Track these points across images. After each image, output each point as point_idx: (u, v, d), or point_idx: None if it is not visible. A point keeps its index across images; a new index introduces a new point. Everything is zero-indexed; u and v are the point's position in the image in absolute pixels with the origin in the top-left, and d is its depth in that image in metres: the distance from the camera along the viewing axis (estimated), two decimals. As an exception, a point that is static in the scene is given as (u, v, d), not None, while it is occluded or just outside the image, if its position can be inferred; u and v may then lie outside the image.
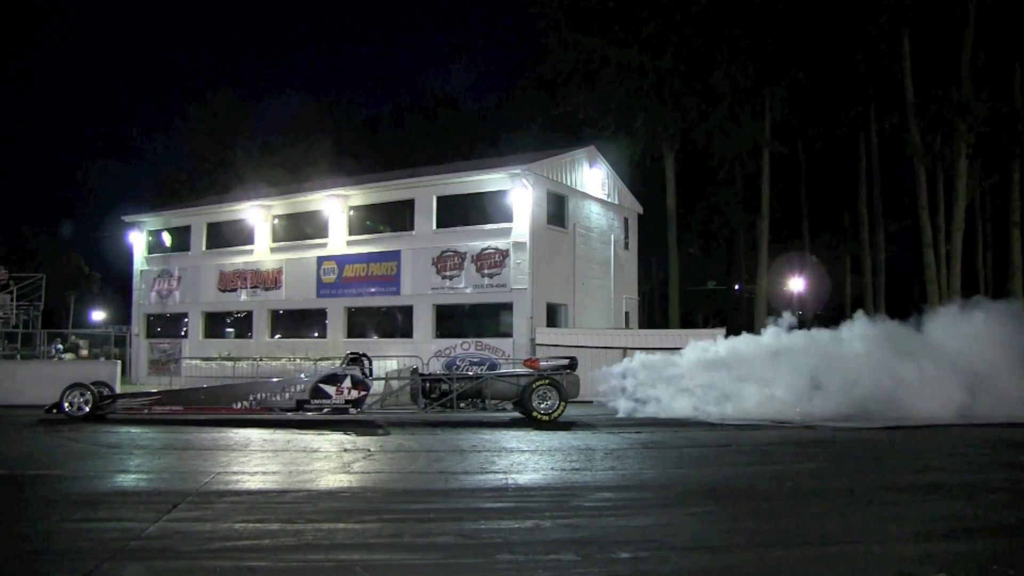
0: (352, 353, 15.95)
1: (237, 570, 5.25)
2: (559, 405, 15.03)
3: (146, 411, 15.34)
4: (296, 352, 25.82)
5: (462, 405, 15.50)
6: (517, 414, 15.52)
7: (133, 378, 29.22)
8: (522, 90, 45.02)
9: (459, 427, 14.34)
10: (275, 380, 16.37)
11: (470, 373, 15.98)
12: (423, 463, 10.27)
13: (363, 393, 15.11)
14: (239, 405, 15.15)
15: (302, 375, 16.20)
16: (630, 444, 11.86)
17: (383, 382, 16.73)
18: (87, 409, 14.95)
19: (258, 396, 15.23)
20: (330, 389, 15.02)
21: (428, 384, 15.64)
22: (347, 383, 15.03)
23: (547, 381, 15.26)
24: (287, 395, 15.11)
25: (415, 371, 16.41)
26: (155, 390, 18.14)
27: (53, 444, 12.22)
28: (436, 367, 17.70)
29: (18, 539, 6.21)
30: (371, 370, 15.88)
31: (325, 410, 14.97)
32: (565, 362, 16.14)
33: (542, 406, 15.01)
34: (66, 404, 14.96)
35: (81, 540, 6.06)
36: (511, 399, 15.57)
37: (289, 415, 14.98)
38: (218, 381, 22.53)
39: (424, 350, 22.90)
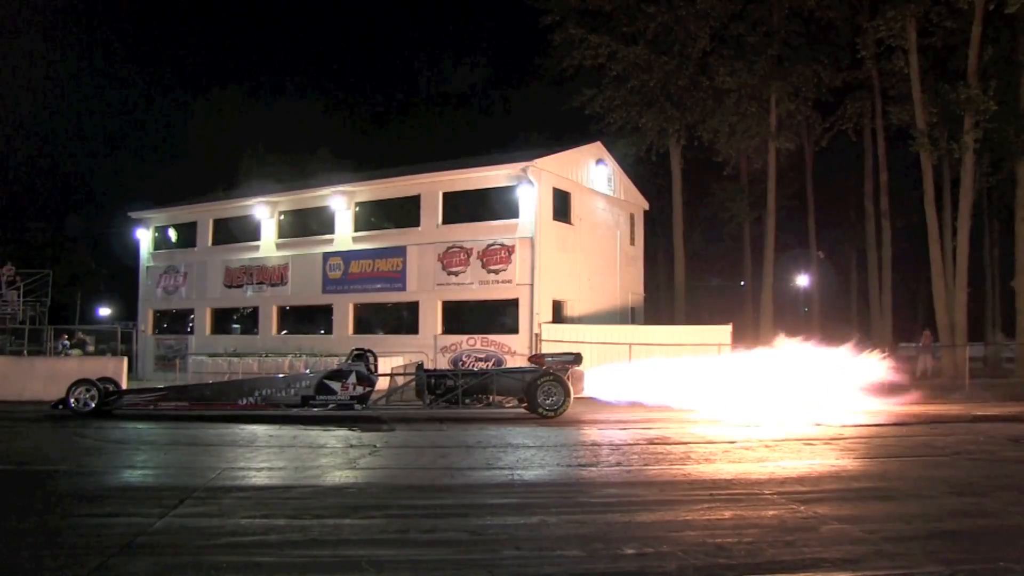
0: (357, 349, 15.99)
1: (243, 566, 5.27)
2: (564, 401, 15.03)
3: (152, 407, 15.41)
4: (302, 348, 25.87)
5: (467, 401, 15.49)
6: (522, 410, 15.52)
7: (140, 374, 29.30)
8: (528, 86, 44.93)
9: (464, 423, 14.35)
10: (280, 376, 16.43)
11: (475, 369, 16.01)
12: (429, 459, 10.28)
13: (368, 389, 15.15)
14: (244, 401, 15.21)
15: (308, 371, 16.26)
16: (636, 440, 11.85)
17: (388, 378, 16.76)
18: (93, 405, 14.99)
19: (263, 392, 15.29)
20: (335, 385, 15.07)
21: (433, 380, 15.66)
22: (352, 379, 15.08)
23: (552, 377, 15.26)
24: (292, 391, 15.17)
25: (420, 367, 16.44)
26: (161, 386, 18.20)
27: (60, 440, 12.28)
28: (442, 363, 17.79)
29: (25, 534, 6.24)
30: (376, 366, 15.91)
31: (330, 406, 15.01)
32: (570, 358, 16.13)
33: (547, 402, 15.01)
34: (72, 400, 15.02)
35: (88, 535, 6.08)
36: (516, 395, 15.58)
37: (294, 411, 15.04)
38: (225, 377, 22.62)
39: (430, 346, 22.97)
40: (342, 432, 12.85)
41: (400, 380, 16.53)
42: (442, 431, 13.20)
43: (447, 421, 14.63)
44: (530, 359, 16.94)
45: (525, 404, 15.37)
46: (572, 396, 15.22)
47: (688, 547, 5.70)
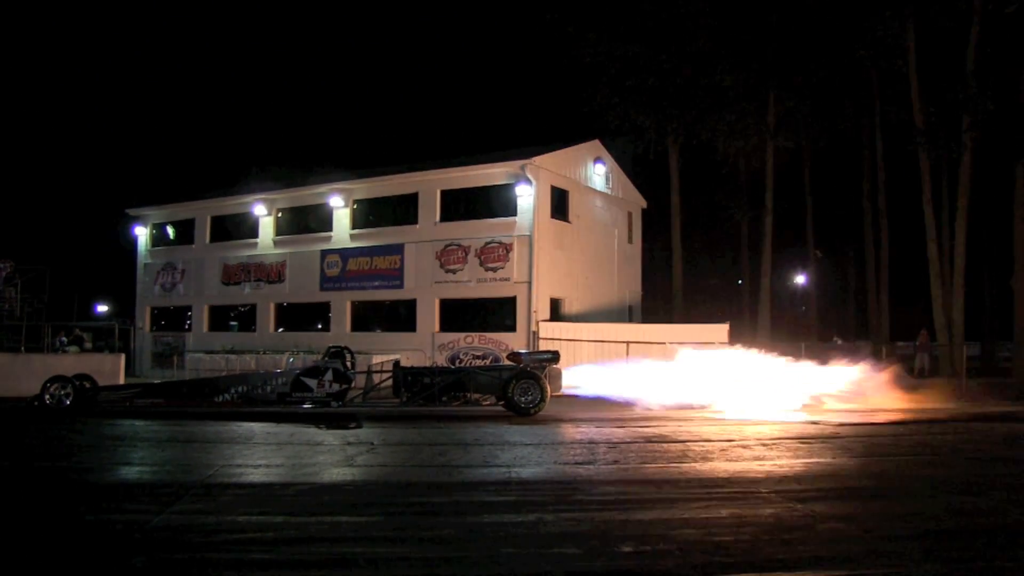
0: (333, 347, 16.00)
1: (241, 563, 5.27)
2: (540, 399, 15.05)
3: (127, 403, 15.39)
4: (300, 345, 25.85)
5: (444, 399, 15.48)
6: (499, 408, 15.50)
7: (137, 371, 29.28)
8: (526, 84, 44.87)
9: (439, 420, 14.35)
10: (258, 373, 16.45)
11: (452, 367, 16.03)
12: (426, 456, 10.29)
13: (345, 386, 15.17)
14: (220, 398, 15.23)
15: (283, 368, 16.25)
16: (632, 438, 11.86)
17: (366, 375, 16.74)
18: (68, 402, 14.95)
19: (239, 389, 15.30)
20: (311, 382, 15.09)
21: (410, 378, 15.63)
22: (328, 376, 15.11)
23: (529, 375, 15.27)
24: (269, 388, 15.19)
25: (397, 364, 16.45)
26: (137, 383, 18.22)
27: (58, 437, 12.26)
28: (440, 360, 17.80)
29: (23, 530, 6.23)
30: (353, 363, 15.92)
31: (307, 404, 15.00)
32: (548, 356, 16.18)
33: (524, 399, 15.03)
34: (47, 397, 14.97)
35: (86, 532, 6.08)
36: (493, 393, 15.55)
37: (270, 409, 15.02)
38: (222, 374, 22.58)
39: (427, 343, 22.95)
40: (334, 430, 12.85)
41: (377, 377, 16.49)
42: (440, 428, 13.19)
43: (423, 419, 14.59)
44: (508, 357, 16.97)
45: (502, 401, 15.37)
46: (549, 394, 15.23)
47: (685, 545, 5.71)
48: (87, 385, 15.59)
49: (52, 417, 14.43)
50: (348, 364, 15.60)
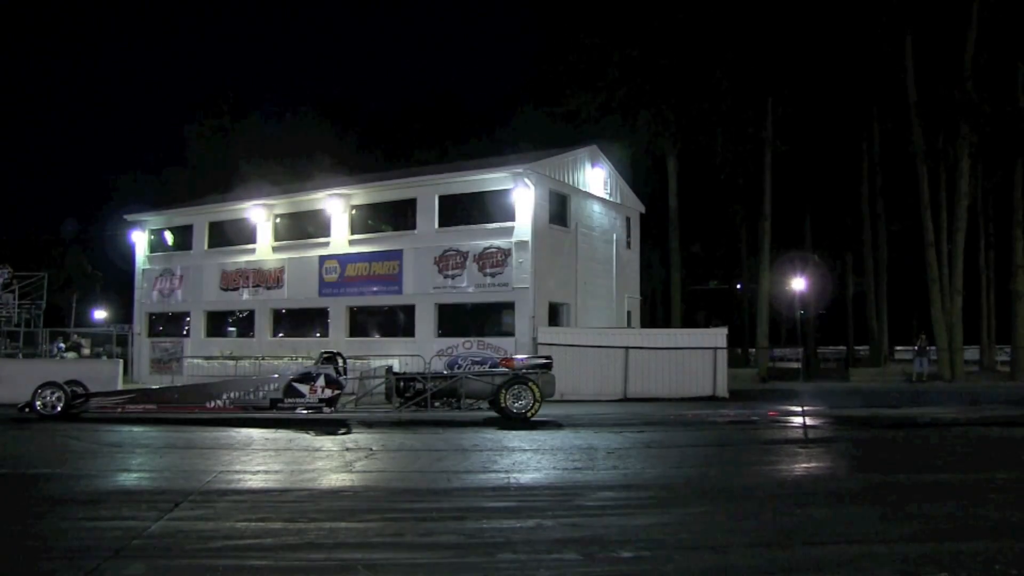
0: (326, 352, 15.98)
1: (239, 569, 5.25)
2: (534, 404, 15.02)
3: (119, 410, 15.33)
4: (298, 351, 25.80)
5: (436, 404, 15.48)
6: (492, 413, 15.48)
7: (135, 377, 29.23)
8: (525, 88, 44.96)
9: (431, 426, 14.32)
10: (250, 378, 16.42)
11: (444, 372, 16.06)
12: (425, 462, 10.27)
13: (337, 392, 15.13)
14: (213, 404, 15.17)
15: (275, 374, 16.18)
16: (631, 444, 11.85)
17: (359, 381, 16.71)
18: (59, 408, 14.91)
19: (232, 395, 15.25)
20: (304, 388, 15.03)
21: (402, 383, 15.63)
22: (321, 382, 15.05)
23: (521, 381, 15.25)
24: (261, 394, 15.14)
25: (389, 370, 16.43)
26: (129, 389, 18.19)
27: (55, 443, 12.23)
28: (438, 366, 17.76)
29: (21, 537, 6.21)
30: (345, 369, 15.89)
31: (299, 409, 14.97)
32: (541, 361, 16.23)
33: (516, 405, 15.01)
34: (38, 403, 14.93)
35: (84, 538, 6.07)
36: (486, 398, 15.54)
37: (263, 414, 14.98)
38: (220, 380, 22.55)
39: (426, 349, 22.87)
40: (324, 436, 12.82)
41: (369, 383, 16.45)
42: (438, 434, 13.17)
43: (414, 425, 14.56)
44: (501, 362, 17.02)
45: (495, 407, 15.33)
46: (542, 399, 15.19)
47: (685, 549, 5.70)
48: (78, 391, 15.54)
49: (43, 423, 14.38)
50: (341, 369, 15.57)
